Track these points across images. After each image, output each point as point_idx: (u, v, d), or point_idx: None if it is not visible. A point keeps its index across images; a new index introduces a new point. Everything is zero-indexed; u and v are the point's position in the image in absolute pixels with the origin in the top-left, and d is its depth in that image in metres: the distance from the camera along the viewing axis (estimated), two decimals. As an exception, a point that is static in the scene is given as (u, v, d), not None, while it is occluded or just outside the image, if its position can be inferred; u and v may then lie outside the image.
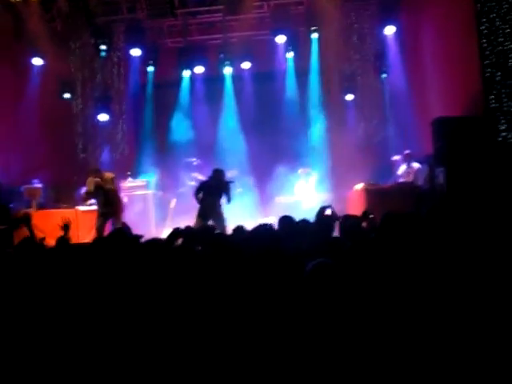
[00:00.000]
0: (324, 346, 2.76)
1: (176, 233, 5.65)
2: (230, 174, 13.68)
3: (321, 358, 2.71)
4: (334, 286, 3.02)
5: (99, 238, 5.43)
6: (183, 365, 2.80)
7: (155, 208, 13.59)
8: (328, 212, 5.93)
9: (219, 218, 10.98)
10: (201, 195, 11.16)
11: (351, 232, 4.98)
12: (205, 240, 5.21)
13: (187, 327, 2.97)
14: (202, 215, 10.97)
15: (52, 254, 4.40)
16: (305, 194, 13.31)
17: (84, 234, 11.74)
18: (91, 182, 11.10)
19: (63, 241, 5.41)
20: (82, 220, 12.04)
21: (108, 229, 11.26)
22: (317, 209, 6.66)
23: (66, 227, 6.08)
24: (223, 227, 10.36)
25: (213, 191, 11.11)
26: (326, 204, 6.84)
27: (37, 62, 14.37)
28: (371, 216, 5.73)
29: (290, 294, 3.20)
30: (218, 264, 4.07)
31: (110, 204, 11.13)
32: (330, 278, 3.04)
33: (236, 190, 13.51)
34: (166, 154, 14.54)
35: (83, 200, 11.95)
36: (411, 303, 3.10)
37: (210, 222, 10.69)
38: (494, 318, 3.01)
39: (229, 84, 15.36)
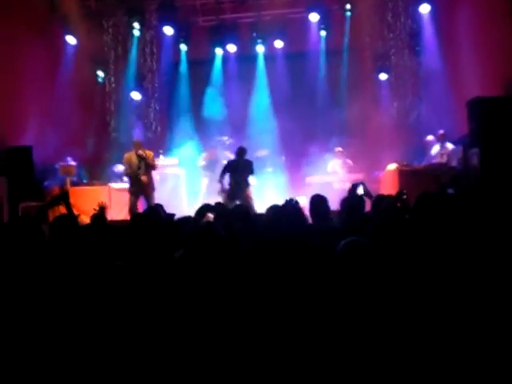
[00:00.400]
0: (356, 333, 2.74)
1: (205, 208, 5.65)
2: (260, 154, 13.71)
3: (356, 345, 2.69)
4: (368, 266, 2.97)
5: (135, 216, 5.43)
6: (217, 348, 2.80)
7: (187, 187, 13.66)
8: (360, 190, 5.88)
9: (246, 200, 10.97)
10: (225, 178, 11.25)
11: (386, 212, 4.94)
12: (236, 217, 5.21)
13: (214, 308, 2.97)
14: (230, 195, 11.01)
15: (88, 232, 4.44)
16: (337, 174, 13.24)
17: (117, 211, 11.84)
18: (131, 156, 11.32)
19: (99, 219, 5.44)
20: (114, 197, 12.15)
21: (141, 207, 11.39)
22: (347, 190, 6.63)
23: (102, 210, 6.12)
24: (251, 209, 10.35)
25: (238, 170, 11.23)
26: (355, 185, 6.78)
27: (71, 40, 14.45)
28: (404, 197, 5.66)
29: (320, 276, 3.17)
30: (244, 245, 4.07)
31: (146, 182, 11.29)
32: (364, 258, 3.00)
33: (266, 170, 13.53)
34: (199, 133, 14.57)
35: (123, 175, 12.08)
36: (449, 287, 3.07)
37: (238, 203, 10.66)
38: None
39: (261, 63, 15.29)
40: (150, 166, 11.44)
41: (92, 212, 6.38)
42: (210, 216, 5.59)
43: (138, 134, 14.84)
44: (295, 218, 5.05)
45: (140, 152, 11.29)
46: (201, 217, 5.44)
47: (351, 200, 5.58)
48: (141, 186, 11.33)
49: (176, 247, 3.81)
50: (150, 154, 11.53)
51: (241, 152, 11.47)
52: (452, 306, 2.96)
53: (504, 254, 3.41)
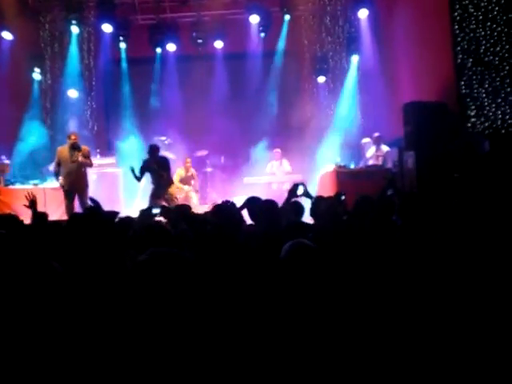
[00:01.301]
0: (304, 335, 2.76)
1: (150, 210, 5.63)
2: (199, 154, 13.69)
3: (306, 347, 2.70)
4: (315, 269, 2.99)
5: (74, 216, 5.31)
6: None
7: (125, 186, 13.46)
8: (300, 191, 5.88)
9: (171, 199, 10.69)
10: (141, 176, 10.81)
11: (326, 214, 4.99)
12: (180, 218, 5.20)
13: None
14: (153, 195, 10.75)
15: (30, 232, 4.34)
16: (276, 175, 13.33)
17: (52, 211, 11.56)
18: (64, 150, 10.97)
19: (41, 218, 5.33)
20: (49, 197, 11.86)
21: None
22: (285, 191, 6.63)
23: (32, 203, 5.94)
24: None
25: (153, 169, 10.80)
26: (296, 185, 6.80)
27: (7, 35, 14.10)
28: (343, 198, 5.72)
29: (265, 277, 3.16)
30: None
31: (79, 178, 11.00)
32: (311, 260, 3.01)
33: (205, 170, 13.54)
34: (137, 132, 14.42)
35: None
36: (390, 289, 3.13)
37: (163, 203, 10.26)
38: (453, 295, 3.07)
39: (201, 63, 15.23)
40: (84, 162, 10.93)
41: (25, 211, 6.22)
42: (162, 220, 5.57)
43: (73, 127, 14.64)
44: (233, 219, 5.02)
45: (75, 142, 10.86)
46: (145, 218, 5.41)
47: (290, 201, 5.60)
48: (72, 183, 10.88)
49: (124, 249, 3.78)
50: (85, 148, 11.07)
51: (151, 150, 10.94)
52: (393, 307, 3.03)
53: (442, 254, 3.50)
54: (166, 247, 3.41)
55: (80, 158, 10.86)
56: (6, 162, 12.68)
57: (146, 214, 5.53)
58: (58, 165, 11.00)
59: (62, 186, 10.98)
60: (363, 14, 14.07)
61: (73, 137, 11.02)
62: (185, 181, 12.74)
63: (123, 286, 3.11)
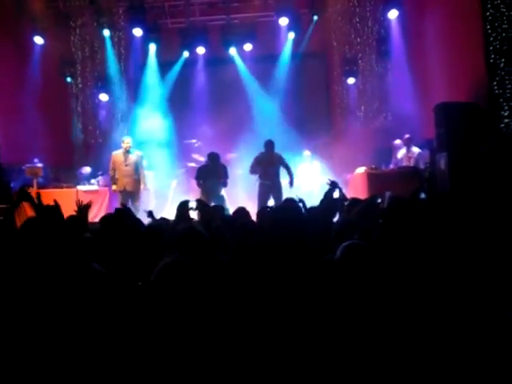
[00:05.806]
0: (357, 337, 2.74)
1: (186, 204, 5.70)
2: (229, 157, 13.70)
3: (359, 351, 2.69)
4: (370, 269, 2.96)
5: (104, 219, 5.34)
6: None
7: (155, 189, 13.55)
8: (337, 194, 5.89)
9: (219, 200, 10.99)
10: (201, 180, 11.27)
11: (361, 216, 4.95)
12: (216, 214, 5.23)
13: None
14: (205, 199, 10.96)
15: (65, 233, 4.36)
16: (306, 177, 13.27)
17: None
18: (118, 154, 11.46)
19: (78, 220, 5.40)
20: (82, 200, 11.95)
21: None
22: (316, 192, 6.63)
23: (80, 211, 6.10)
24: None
25: (210, 175, 11.21)
26: (334, 185, 6.78)
27: (38, 40, 14.29)
28: (379, 201, 5.67)
29: (319, 279, 3.12)
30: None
31: (133, 181, 11.36)
32: (366, 261, 2.98)
33: (236, 172, 13.53)
34: (167, 135, 14.49)
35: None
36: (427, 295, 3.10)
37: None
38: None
39: (231, 65, 15.23)
40: (137, 166, 11.43)
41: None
42: (194, 215, 5.65)
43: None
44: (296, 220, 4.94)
45: (129, 146, 11.36)
46: (182, 214, 5.47)
47: (331, 201, 5.58)
48: (127, 186, 11.32)
49: (159, 253, 3.79)
50: (138, 152, 11.57)
51: (212, 157, 11.47)
52: (431, 309, 3.00)
53: (472, 259, 3.47)
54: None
55: (134, 165, 11.39)
56: (39, 165, 12.83)
57: (183, 206, 5.62)
58: (114, 170, 11.44)
59: (120, 191, 11.41)
60: (393, 14, 14.01)
61: (126, 141, 11.34)
62: None
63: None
